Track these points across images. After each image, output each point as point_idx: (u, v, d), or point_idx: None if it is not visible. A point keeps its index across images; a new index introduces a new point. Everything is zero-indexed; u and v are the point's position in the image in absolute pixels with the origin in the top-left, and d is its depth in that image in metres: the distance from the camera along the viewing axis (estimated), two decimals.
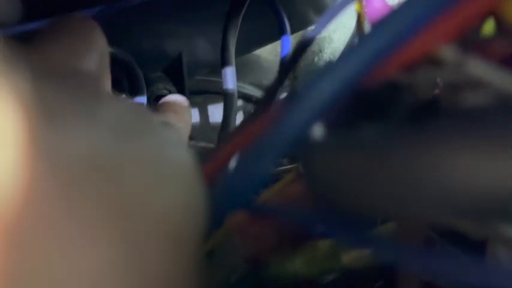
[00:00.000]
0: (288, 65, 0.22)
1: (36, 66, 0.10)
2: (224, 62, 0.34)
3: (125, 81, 0.35)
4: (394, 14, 0.11)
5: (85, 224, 0.09)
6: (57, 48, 0.14)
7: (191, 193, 0.12)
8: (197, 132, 0.46)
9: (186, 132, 0.21)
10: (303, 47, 0.20)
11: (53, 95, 0.09)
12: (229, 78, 0.33)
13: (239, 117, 0.47)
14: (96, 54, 0.15)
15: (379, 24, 0.11)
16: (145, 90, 0.35)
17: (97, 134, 0.10)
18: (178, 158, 0.12)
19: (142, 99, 0.35)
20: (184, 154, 0.13)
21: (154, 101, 0.38)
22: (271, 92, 0.22)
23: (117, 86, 0.35)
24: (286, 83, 0.22)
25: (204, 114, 0.47)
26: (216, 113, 0.47)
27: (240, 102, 0.47)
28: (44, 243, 0.08)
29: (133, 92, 0.35)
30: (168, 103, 0.23)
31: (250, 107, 0.48)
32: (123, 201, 0.09)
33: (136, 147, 0.11)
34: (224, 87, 0.33)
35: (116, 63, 0.34)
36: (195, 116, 0.46)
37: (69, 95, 0.10)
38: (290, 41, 0.34)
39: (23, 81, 0.08)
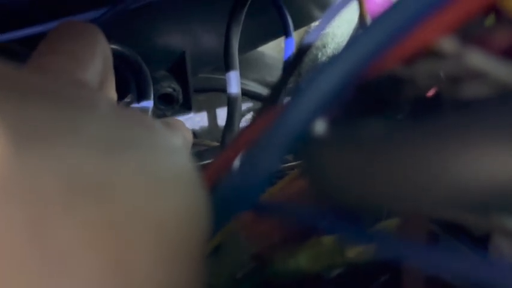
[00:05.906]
0: (293, 64, 0.22)
1: (19, 84, 0.10)
2: (228, 66, 0.33)
3: (132, 80, 0.35)
4: (394, 7, 0.10)
5: (60, 254, 0.08)
6: (59, 59, 0.14)
7: (190, 199, 0.11)
8: (203, 133, 0.46)
9: (187, 143, 0.21)
10: (307, 45, 0.20)
11: (34, 116, 0.09)
12: (233, 82, 0.33)
13: (242, 115, 0.47)
14: (99, 59, 0.16)
15: (380, 17, 0.11)
16: (152, 92, 0.35)
17: (82, 153, 0.09)
18: (177, 165, 0.12)
19: (149, 103, 0.34)
20: (184, 160, 0.12)
21: (159, 99, 0.39)
22: (276, 90, 0.22)
23: (124, 86, 0.35)
24: (291, 80, 0.22)
25: (210, 114, 0.47)
26: (222, 114, 0.47)
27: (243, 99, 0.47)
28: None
29: (140, 92, 0.35)
30: (168, 120, 0.23)
31: (254, 104, 0.48)
32: (111, 220, 0.09)
33: (131, 160, 0.10)
34: (228, 91, 0.33)
35: (122, 62, 0.34)
36: (202, 117, 0.46)
37: (55, 114, 0.09)
38: (293, 39, 0.34)
39: None
